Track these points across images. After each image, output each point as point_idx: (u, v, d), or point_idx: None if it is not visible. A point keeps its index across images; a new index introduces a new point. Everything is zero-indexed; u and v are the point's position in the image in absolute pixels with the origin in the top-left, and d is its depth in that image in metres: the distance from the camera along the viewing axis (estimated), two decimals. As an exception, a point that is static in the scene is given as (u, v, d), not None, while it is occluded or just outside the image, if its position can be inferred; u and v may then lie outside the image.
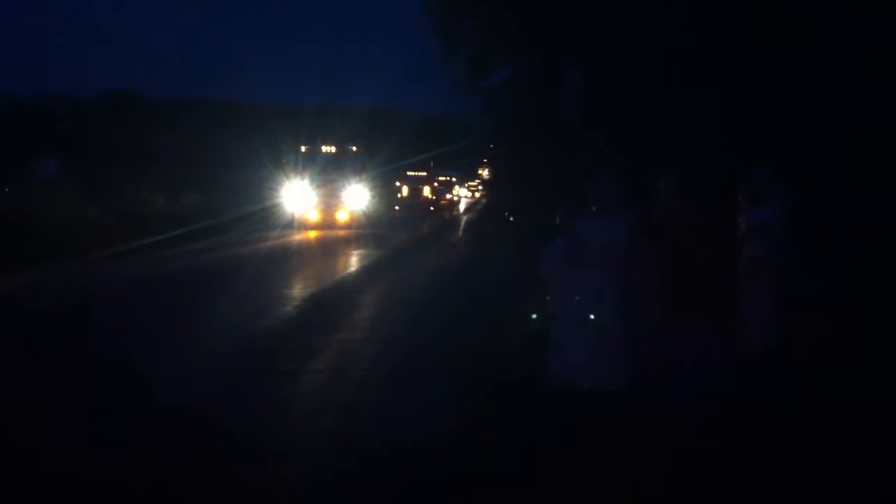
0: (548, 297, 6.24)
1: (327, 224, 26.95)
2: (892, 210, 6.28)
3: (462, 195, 76.85)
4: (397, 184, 49.10)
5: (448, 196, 64.04)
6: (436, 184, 55.39)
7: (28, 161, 33.51)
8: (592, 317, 5.52)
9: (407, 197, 49.00)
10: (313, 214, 27.01)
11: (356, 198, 27.46)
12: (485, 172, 76.59)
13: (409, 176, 49.63)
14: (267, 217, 26.64)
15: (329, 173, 27.07)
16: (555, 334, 5.72)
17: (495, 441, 4.94)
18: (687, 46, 8.26)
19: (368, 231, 26.34)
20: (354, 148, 27.68)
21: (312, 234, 25.81)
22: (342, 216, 27.22)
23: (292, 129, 28.36)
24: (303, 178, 26.83)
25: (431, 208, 50.22)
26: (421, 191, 50.32)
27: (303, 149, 27.24)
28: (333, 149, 27.47)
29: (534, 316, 6.87)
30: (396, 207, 45.57)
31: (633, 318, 5.48)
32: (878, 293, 5.80)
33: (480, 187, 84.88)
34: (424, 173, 51.22)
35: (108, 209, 23.20)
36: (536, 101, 12.45)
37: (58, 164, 33.95)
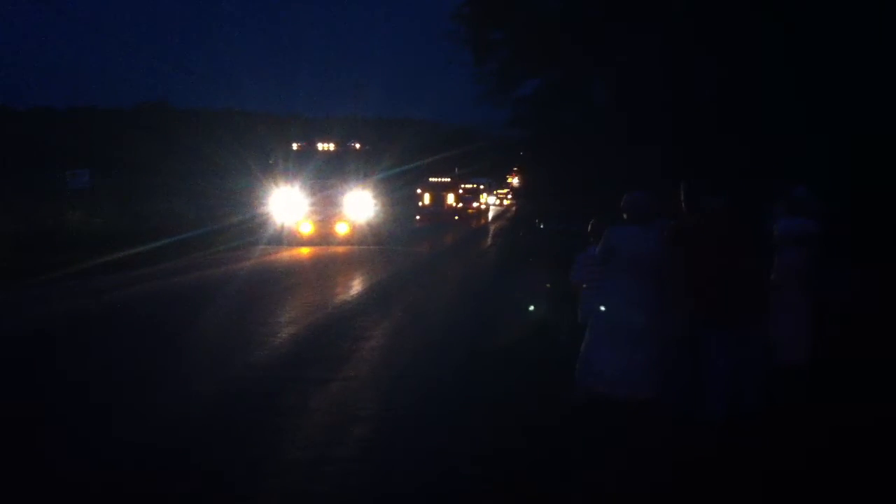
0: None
1: (323, 238, 22.47)
2: None
3: (490, 203, 72.73)
4: (418, 191, 44.54)
5: (475, 204, 59.80)
6: (461, 191, 50.68)
7: (62, 173, 29.62)
8: (624, 324, 5.57)
9: (429, 205, 44.41)
10: (306, 227, 22.53)
11: (360, 207, 22.90)
12: (514, 180, 73.08)
13: (432, 182, 45.04)
14: (251, 230, 22.18)
15: (327, 177, 22.57)
16: (586, 343, 5.83)
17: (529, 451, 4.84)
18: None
19: (374, 247, 21.84)
20: (357, 146, 23.12)
21: (304, 252, 21.35)
22: (341, 229, 22.69)
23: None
24: (294, 183, 22.36)
25: (456, 217, 45.63)
26: (444, 198, 45.63)
27: (294, 147, 22.74)
28: (332, 147, 22.94)
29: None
30: (417, 217, 41.28)
31: (663, 329, 5.50)
32: None
33: (510, 195, 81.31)
34: (448, 179, 46.55)
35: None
36: (563, 111, 13.05)
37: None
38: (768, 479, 4.28)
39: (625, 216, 5.81)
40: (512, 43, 13.56)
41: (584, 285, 6.37)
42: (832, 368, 5.66)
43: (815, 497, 4.13)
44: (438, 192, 45.21)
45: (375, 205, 24.37)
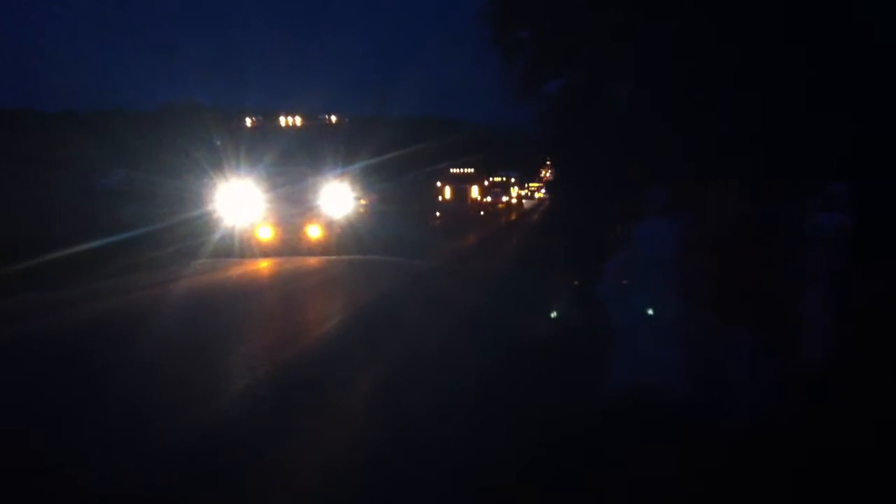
0: (576, 282, 7.23)
1: (289, 246, 16.51)
2: None
3: (523, 196, 66.95)
4: (438, 184, 38.71)
5: (505, 198, 53.89)
6: (486, 183, 44.55)
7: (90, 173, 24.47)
8: (651, 312, 5.60)
9: (450, 200, 38.42)
10: (265, 231, 16.58)
11: (340, 202, 16.91)
12: (548, 174, 67.48)
13: (453, 174, 39.06)
14: (191, 235, 16.26)
15: (293, 163, 16.61)
16: (615, 345, 5.78)
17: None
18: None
19: (360, 258, 15.89)
20: (334, 119, 17.06)
21: (262, 266, 15.44)
22: (313, 233, 16.71)
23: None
24: (248, 173, 16.40)
25: (482, 213, 39.48)
26: (467, 192, 39.51)
27: (248, 123, 16.78)
28: (298, 121, 16.93)
29: (554, 314, 7.22)
30: (437, 214, 35.43)
31: (689, 327, 5.46)
32: None
33: (543, 189, 75.63)
34: (471, 170, 40.45)
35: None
36: (589, 110, 11.73)
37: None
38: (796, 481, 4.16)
39: (647, 212, 5.78)
40: (538, 41, 13.46)
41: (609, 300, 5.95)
42: (858, 367, 5.53)
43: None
44: (460, 185, 39.14)
45: (362, 200, 18.37)
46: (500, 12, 13.93)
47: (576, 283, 7.62)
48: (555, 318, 6.95)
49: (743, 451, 4.42)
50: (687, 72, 9.50)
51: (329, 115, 16.99)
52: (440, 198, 38.07)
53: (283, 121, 16.84)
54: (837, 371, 5.58)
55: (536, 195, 73.58)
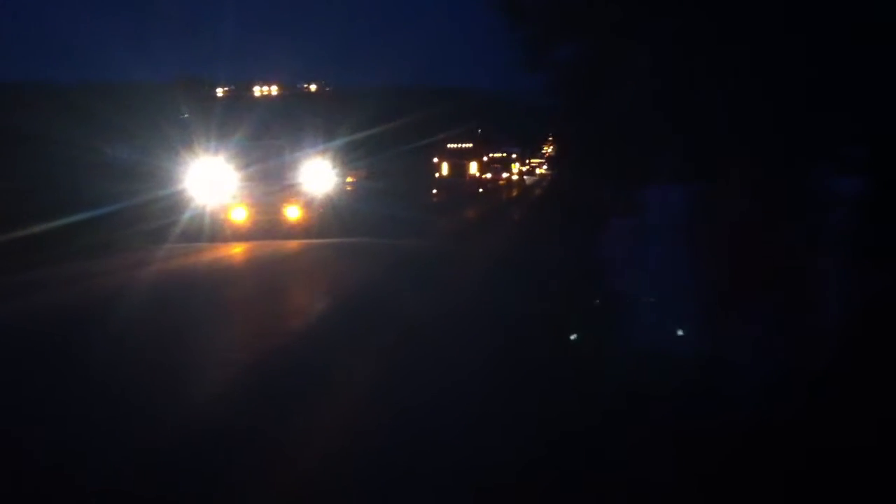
0: (597, 301, 6.40)
1: (265, 228, 15.01)
2: None
3: (524, 172, 65.33)
4: (435, 160, 37.21)
5: (506, 175, 52.34)
6: (486, 158, 42.89)
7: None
8: (653, 296, 5.47)
9: (448, 176, 36.84)
10: (238, 213, 15.08)
11: (321, 180, 15.38)
12: (550, 149, 65.87)
13: (450, 150, 37.40)
14: (156, 216, 14.73)
15: (269, 136, 15.07)
16: (621, 311, 5.65)
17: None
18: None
19: (345, 241, 14.44)
20: (313, 87, 15.49)
21: (233, 252, 13.98)
22: (292, 213, 15.21)
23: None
24: (219, 149, 14.85)
25: (480, 190, 37.92)
26: (466, 168, 37.88)
27: (219, 93, 15.21)
28: (274, 90, 15.35)
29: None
30: (434, 191, 33.99)
31: (698, 291, 5.39)
32: None
33: (545, 165, 74.08)
34: (469, 145, 38.79)
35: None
36: (603, 77, 11.13)
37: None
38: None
39: (658, 179, 5.72)
40: (547, 8, 12.43)
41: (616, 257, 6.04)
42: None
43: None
44: (458, 160, 37.52)
45: (348, 177, 16.86)
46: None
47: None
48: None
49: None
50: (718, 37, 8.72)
51: (308, 84, 15.41)
52: (436, 174, 36.46)
53: (257, 90, 15.27)
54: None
55: (538, 171, 72.03)
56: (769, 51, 7.86)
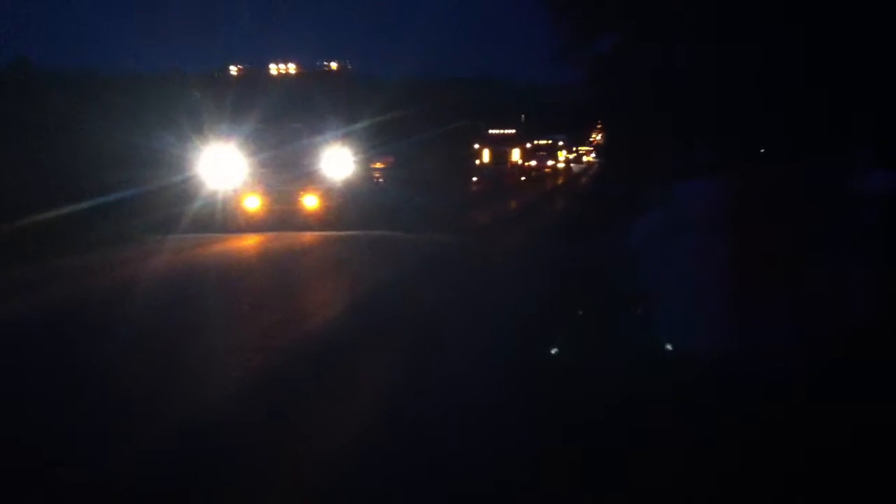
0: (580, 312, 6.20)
1: (280, 218, 13.92)
2: None
3: (571, 160, 63.60)
4: (476, 146, 35.94)
5: (551, 162, 50.74)
6: (529, 145, 41.30)
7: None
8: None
9: (489, 164, 35.41)
10: (252, 202, 13.99)
11: (342, 168, 14.22)
12: (598, 136, 64.00)
13: (491, 136, 35.95)
14: (166, 204, 13.73)
15: (286, 120, 13.94)
16: (657, 306, 5.57)
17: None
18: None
19: (365, 233, 13.28)
20: (335, 66, 14.28)
21: (246, 244, 12.93)
22: (309, 203, 14.07)
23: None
24: (232, 133, 13.75)
25: (523, 178, 36.47)
26: (507, 155, 36.38)
27: (233, 72, 14.11)
28: (293, 69, 14.19)
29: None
30: (474, 179, 32.81)
31: (729, 284, 5.31)
32: None
33: (593, 154, 72.24)
34: (512, 131, 37.23)
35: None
36: (641, 69, 11.80)
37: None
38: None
39: (690, 172, 5.88)
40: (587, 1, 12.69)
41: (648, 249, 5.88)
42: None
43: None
44: (500, 147, 36.06)
45: (375, 164, 15.67)
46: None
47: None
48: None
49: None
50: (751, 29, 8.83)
51: (329, 63, 14.20)
52: (477, 161, 35.10)
53: (273, 69, 14.12)
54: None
55: (585, 159, 70.19)
56: (823, 47, 7.68)
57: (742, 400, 4.33)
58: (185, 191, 13.90)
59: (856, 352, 4.83)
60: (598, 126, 58.26)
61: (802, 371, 4.51)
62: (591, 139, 75.01)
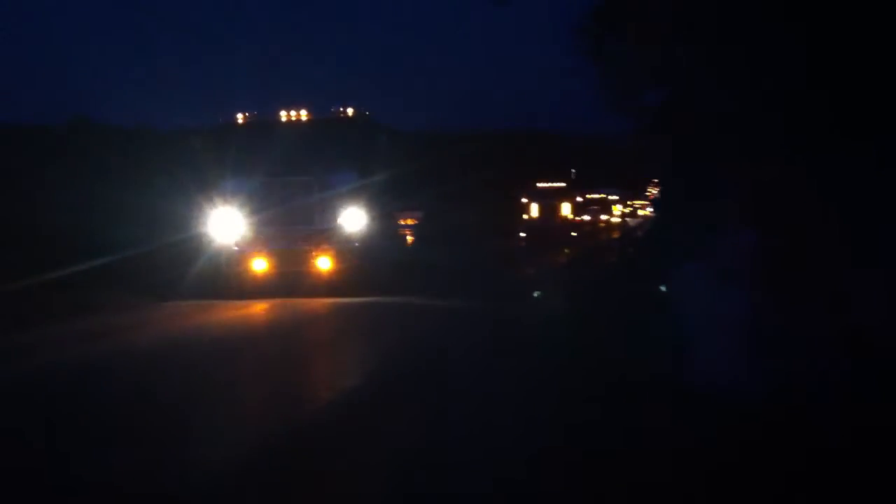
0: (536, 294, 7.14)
1: (289, 284, 12.35)
2: None
3: (626, 214, 61.61)
4: (524, 200, 34.50)
5: (605, 217, 48.75)
6: (580, 199, 39.44)
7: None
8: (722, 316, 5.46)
9: (536, 218, 33.69)
10: (259, 264, 12.48)
11: (359, 224, 12.67)
12: (655, 191, 61.96)
13: (540, 189, 34.31)
14: (163, 267, 12.32)
15: (296, 171, 12.52)
16: (689, 345, 5.60)
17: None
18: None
19: (388, 299, 11.63)
20: (350, 111, 12.84)
21: (250, 311, 11.38)
22: (322, 264, 12.50)
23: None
24: (237, 187, 12.39)
25: (573, 234, 34.57)
26: (557, 209, 34.59)
27: (239, 120, 12.79)
28: (304, 115, 12.81)
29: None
30: (522, 235, 31.27)
31: (764, 325, 5.31)
32: None
33: (650, 208, 70.13)
34: (563, 184, 35.51)
35: None
36: (686, 122, 11.00)
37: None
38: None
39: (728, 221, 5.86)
40: (635, 55, 11.89)
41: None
42: None
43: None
44: (548, 200, 34.35)
45: (405, 220, 14.10)
46: (597, 24, 12.47)
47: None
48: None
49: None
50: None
51: (344, 108, 12.77)
52: (524, 216, 33.47)
53: (283, 115, 12.75)
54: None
55: (640, 213, 68.09)
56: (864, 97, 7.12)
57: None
58: (186, 251, 12.51)
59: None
60: (655, 181, 56.39)
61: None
62: (647, 193, 73.03)
